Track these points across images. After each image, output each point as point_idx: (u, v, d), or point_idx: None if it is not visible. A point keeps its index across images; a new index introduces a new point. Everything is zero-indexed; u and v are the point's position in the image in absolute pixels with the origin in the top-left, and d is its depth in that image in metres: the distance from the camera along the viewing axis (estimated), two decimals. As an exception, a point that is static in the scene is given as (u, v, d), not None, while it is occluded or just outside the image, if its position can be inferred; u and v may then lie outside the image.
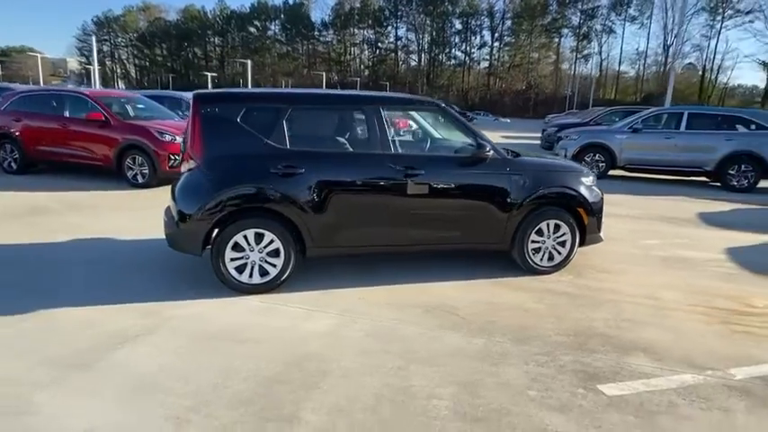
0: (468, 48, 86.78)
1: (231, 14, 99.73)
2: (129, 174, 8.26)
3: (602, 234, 4.76)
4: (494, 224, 4.37)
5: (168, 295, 3.87)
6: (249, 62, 47.22)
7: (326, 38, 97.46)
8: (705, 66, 66.20)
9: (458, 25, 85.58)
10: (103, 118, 8.37)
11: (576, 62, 79.15)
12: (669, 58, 68.98)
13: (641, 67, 73.77)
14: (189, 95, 12.45)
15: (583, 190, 4.57)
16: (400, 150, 4.27)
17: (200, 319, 3.52)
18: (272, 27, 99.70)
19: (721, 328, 3.66)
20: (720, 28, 61.92)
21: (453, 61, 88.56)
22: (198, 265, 4.45)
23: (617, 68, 76.34)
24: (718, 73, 66.04)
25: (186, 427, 2.38)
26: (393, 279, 4.35)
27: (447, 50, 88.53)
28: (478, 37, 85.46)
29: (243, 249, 3.89)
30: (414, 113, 5.06)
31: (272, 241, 3.92)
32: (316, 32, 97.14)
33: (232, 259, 3.88)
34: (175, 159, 8.04)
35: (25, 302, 3.64)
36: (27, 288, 3.95)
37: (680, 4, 67.31)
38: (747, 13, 58.82)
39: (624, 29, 74.51)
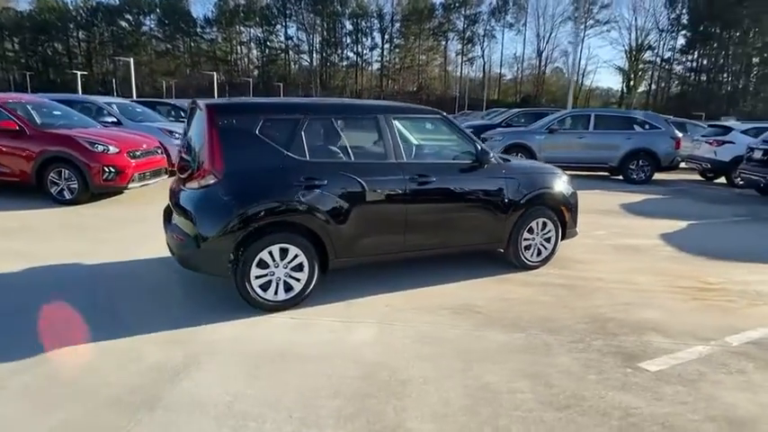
0: (360, 49, 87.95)
1: (97, 6, 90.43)
2: (54, 189, 7.37)
3: (577, 228, 5.28)
4: (495, 225, 4.68)
5: (190, 320, 3.63)
6: (132, 60, 43.45)
7: (210, 35, 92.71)
8: (570, 70, 73.82)
9: (348, 26, 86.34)
10: (17, 127, 7.38)
11: (462, 65, 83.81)
12: (542, 62, 75.95)
13: (519, 71, 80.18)
14: (103, 100, 11.38)
15: (563, 189, 5.05)
16: (412, 159, 4.40)
17: (240, 342, 3.37)
18: (147, 22, 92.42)
19: (697, 304, 4.30)
20: (584, 36, 69.33)
21: (346, 62, 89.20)
22: (200, 285, 4.23)
23: (498, 71, 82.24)
24: (583, 76, 73.92)
25: (304, 453, 2.32)
26: (404, 284, 4.47)
27: (339, 51, 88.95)
28: (369, 38, 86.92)
29: (267, 266, 3.77)
30: (411, 123, 5.17)
31: (296, 256, 3.84)
32: (198, 29, 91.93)
33: (257, 277, 3.74)
34: (110, 172, 7.37)
35: (25, 345, 3.20)
36: (16, 329, 3.46)
37: (550, 12, 74.20)
38: (605, 23, 66.77)
39: (503, 34, 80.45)
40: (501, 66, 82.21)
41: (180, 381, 2.87)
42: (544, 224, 4.94)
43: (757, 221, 8.00)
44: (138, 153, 7.84)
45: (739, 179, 10.66)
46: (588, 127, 11.72)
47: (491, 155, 4.56)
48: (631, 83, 67.10)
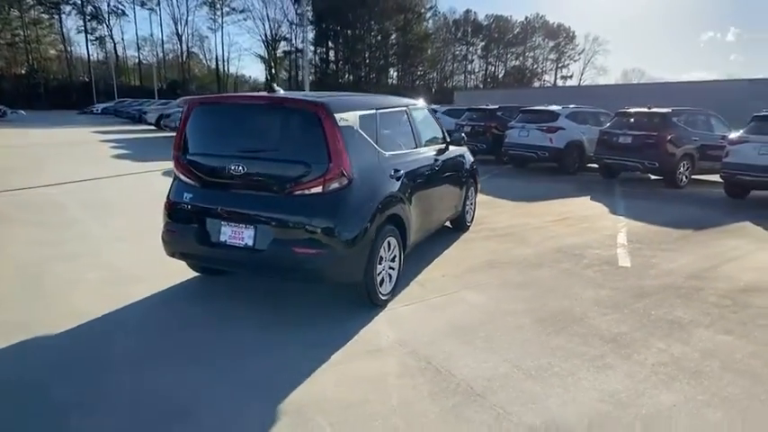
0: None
1: None
2: None
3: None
4: (459, 196, 5.73)
5: (327, 332, 3.40)
6: None
7: None
8: (217, 56, 74.45)
9: None
10: None
11: (88, 45, 72.52)
12: (184, 46, 73.56)
13: (161, 54, 75.35)
14: None
15: (473, 163, 6.45)
16: (423, 144, 4.92)
17: (418, 334, 3.47)
18: None
19: (576, 229, 6.50)
20: (222, 22, 70.60)
21: None
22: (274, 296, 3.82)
23: (137, 54, 75.06)
24: (228, 63, 75.64)
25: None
26: (426, 256, 5.06)
27: None
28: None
29: (382, 261, 3.82)
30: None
31: (394, 246, 4.00)
32: None
33: (378, 273, 3.76)
34: None
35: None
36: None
37: (184, -7, 71.82)
38: (241, 11, 69.70)
39: (135, 12, 73.52)
40: (138, 48, 75.29)
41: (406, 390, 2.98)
42: (473, 192, 6.27)
43: (515, 178, 11.39)
44: None
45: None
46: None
47: (454, 137, 5.58)
48: (273, 71, 72.92)
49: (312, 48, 65.74)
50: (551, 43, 79.49)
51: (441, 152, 5.23)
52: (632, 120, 10.69)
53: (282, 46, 73.00)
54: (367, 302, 3.78)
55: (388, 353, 3.21)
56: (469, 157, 6.19)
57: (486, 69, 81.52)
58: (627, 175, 11.70)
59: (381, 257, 3.79)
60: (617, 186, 10.37)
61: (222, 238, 3.60)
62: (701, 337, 3.50)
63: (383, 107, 4.27)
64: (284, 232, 3.45)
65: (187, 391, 2.76)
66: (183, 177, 3.82)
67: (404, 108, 4.70)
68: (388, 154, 4.03)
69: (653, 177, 11.34)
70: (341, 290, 4.03)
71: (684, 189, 10.14)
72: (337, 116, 3.49)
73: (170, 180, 3.97)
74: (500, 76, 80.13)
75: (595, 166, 11.85)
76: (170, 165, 3.99)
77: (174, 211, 3.82)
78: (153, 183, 9.14)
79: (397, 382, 2.89)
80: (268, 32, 70.72)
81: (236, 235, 3.57)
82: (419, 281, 4.47)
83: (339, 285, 3.70)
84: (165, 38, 74.59)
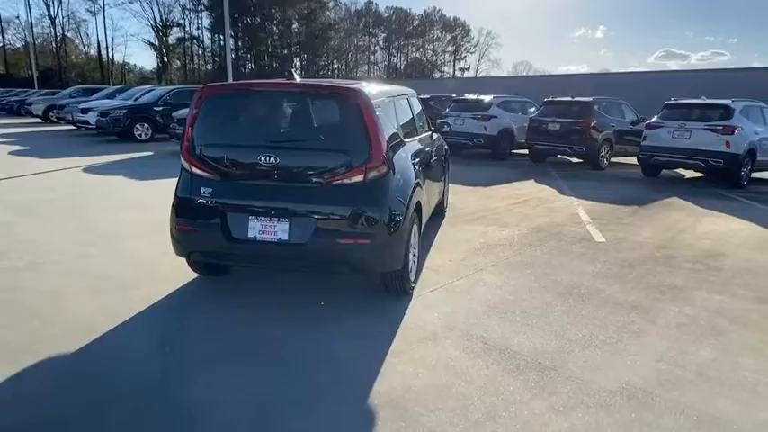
0: None
1: None
2: None
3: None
4: (443, 182, 5.84)
5: (372, 324, 3.36)
6: None
7: None
8: (99, 42, 67.67)
9: None
10: None
11: (-67, 26, 62.32)
12: (58, 30, 66.06)
13: (30, 39, 66.87)
14: None
15: (448, 149, 6.59)
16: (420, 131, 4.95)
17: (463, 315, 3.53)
18: None
19: (541, 210, 6.91)
20: (103, 4, 64.24)
21: None
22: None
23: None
24: (112, 50, 69.09)
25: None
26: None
27: None
28: None
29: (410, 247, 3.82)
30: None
31: (416, 233, 4.00)
32: None
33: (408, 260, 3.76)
34: None
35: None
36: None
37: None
38: (124, -7, 63.77)
39: (-8, -9, 64.34)
40: (2, 31, 66.25)
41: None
42: (449, 177, 6.44)
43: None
44: None
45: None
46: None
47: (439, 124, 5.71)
48: (165, 59, 67.92)
49: (209, 35, 62.26)
50: (449, 36, 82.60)
51: (431, 138, 5.30)
52: (559, 108, 11.54)
53: (175, 32, 68.25)
54: (399, 291, 3.74)
55: (444, 337, 3.24)
56: (445, 144, 6.34)
57: (389, 61, 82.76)
58: (552, 159, 12.60)
59: (411, 244, 3.79)
60: (551, 170, 11.15)
61: (251, 234, 3.37)
62: (700, 298, 3.94)
63: (395, 95, 4.23)
64: (326, 223, 3.31)
65: (270, 391, 2.59)
66: (197, 171, 3.49)
67: (406, 95, 4.70)
68: (406, 141, 4.02)
69: (573, 161, 12.34)
70: (358, 282, 3.98)
71: (606, 171, 11.17)
72: (373, 102, 3.41)
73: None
74: (401, 67, 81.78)
75: (522, 151, 12.62)
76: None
77: (189, 207, 3.50)
78: (82, 181, 8.18)
79: (469, 363, 2.93)
80: (158, 17, 65.70)
81: (268, 229, 3.36)
82: (429, 267, 4.52)
83: (375, 275, 3.62)
84: (33, 20, 66.36)
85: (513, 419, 2.41)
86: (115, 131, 14.50)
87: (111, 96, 18.52)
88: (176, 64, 71.04)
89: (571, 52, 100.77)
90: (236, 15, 56.84)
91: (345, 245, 3.29)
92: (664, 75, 23.40)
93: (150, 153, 12.31)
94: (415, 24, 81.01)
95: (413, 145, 4.29)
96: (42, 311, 3.46)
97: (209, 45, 63.05)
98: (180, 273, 3.99)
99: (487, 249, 5.06)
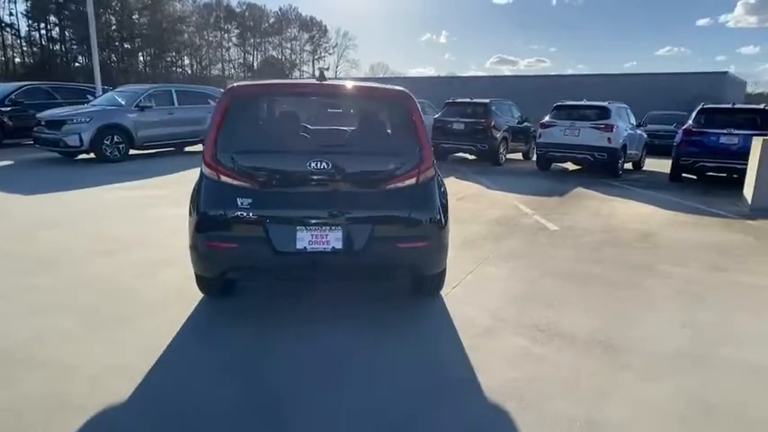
0: None
1: None
2: None
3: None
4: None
5: (426, 325, 3.39)
6: None
7: None
8: None
9: None
10: None
11: None
12: None
13: None
14: None
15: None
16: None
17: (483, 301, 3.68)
18: None
19: (486, 205, 7.35)
20: None
21: None
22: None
23: None
24: None
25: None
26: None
27: None
28: None
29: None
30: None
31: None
32: None
33: (441, 259, 3.81)
34: None
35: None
36: None
37: None
38: None
39: None
40: None
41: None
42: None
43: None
44: None
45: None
46: (173, 102, 11.75)
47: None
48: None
49: (28, 22, 53.53)
50: (306, 35, 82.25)
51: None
52: (461, 109, 12.32)
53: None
54: (435, 291, 3.77)
55: (500, 329, 3.35)
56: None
57: (245, 58, 79.70)
58: (453, 157, 13.41)
59: (447, 243, 3.84)
60: (461, 167, 11.85)
61: (300, 245, 3.13)
62: (669, 271, 4.60)
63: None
64: (383, 229, 3.20)
65: (376, 407, 2.46)
66: (229, 180, 3.13)
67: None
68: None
69: (470, 157, 13.29)
70: (374, 288, 3.96)
71: (505, 166, 12.24)
72: (419, 105, 3.39)
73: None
74: (258, 65, 79.33)
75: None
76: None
77: (221, 220, 3.12)
78: (31, 205, 6.61)
79: (541, 351, 3.08)
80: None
81: (319, 239, 3.15)
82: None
83: (426, 276, 3.60)
84: None
85: (615, 393, 2.63)
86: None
87: None
88: (-11, 55, 60.01)
89: (420, 55, 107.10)
90: (62, 1, 49.74)
91: (404, 249, 3.22)
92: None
93: (9, 162, 10.38)
94: (270, 22, 79.09)
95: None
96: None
97: (27, 34, 54.26)
98: (187, 294, 3.53)
99: (470, 244, 5.29)
